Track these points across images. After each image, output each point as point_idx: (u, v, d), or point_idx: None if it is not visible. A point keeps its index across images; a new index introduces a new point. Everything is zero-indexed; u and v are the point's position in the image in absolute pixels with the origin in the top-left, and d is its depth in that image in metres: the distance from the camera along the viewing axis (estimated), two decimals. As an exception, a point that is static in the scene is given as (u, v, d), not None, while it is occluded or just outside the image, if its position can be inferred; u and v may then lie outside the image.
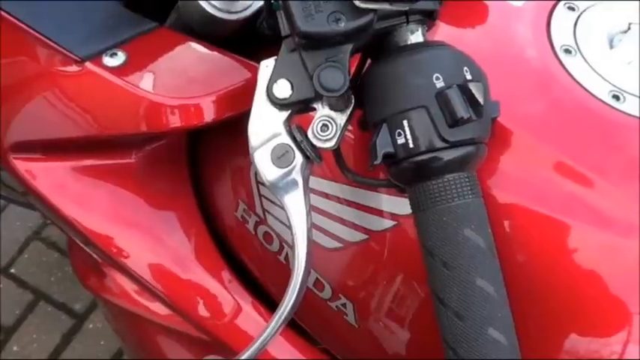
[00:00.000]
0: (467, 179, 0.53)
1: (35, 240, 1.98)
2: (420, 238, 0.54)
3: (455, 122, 0.52)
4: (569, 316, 0.58)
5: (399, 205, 0.62)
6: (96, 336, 1.85)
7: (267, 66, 0.56)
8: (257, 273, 0.80)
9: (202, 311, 0.81)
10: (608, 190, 0.57)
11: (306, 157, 0.56)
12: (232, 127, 0.67)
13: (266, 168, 0.56)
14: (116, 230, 0.79)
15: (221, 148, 0.79)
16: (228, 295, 0.80)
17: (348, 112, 0.56)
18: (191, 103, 0.67)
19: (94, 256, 0.87)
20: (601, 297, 0.57)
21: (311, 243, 0.56)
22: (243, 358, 0.59)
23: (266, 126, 0.56)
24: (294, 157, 0.56)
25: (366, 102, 0.56)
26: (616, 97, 0.61)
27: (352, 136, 0.64)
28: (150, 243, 0.82)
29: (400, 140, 0.53)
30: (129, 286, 0.88)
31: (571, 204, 0.57)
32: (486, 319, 0.52)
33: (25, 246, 1.97)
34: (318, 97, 0.55)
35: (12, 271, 1.93)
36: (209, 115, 0.68)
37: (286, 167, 0.56)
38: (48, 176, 0.78)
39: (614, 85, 0.62)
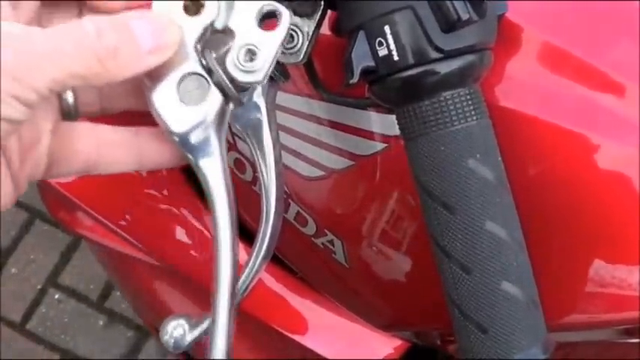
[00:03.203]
0: (468, 96, 0.43)
1: (25, 156, 1.90)
2: (413, 172, 0.44)
3: (450, 26, 0.41)
4: (594, 241, 0.50)
5: (390, 123, 0.52)
6: (95, 253, 1.79)
7: None
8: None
9: (173, 248, 0.73)
10: (636, 95, 0.47)
11: (270, 78, 0.44)
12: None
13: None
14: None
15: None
16: (206, 233, 0.72)
17: (317, 17, 0.45)
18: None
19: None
20: (629, 218, 0.48)
21: (281, 186, 0.46)
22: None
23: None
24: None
25: (338, 4, 0.44)
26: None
27: (328, 44, 0.52)
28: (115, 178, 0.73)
29: (382, 51, 0.42)
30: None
31: (595, 112, 0.48)
32: (499, 271, 0.43)
33: (16, 162, 1.89)
34: None
35: (3, 189, 1.86)
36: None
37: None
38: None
39: None
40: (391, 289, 0.61)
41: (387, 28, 0.42)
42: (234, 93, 0.41)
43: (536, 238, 0.48)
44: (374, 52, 0.42)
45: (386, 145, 0.53)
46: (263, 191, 0.46)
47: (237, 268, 0.44)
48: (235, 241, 0.44)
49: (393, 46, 0.42)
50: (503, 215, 0.43)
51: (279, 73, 0.45)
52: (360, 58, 0.43)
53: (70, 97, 0.42)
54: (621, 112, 0.47)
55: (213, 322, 0.44)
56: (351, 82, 0.43)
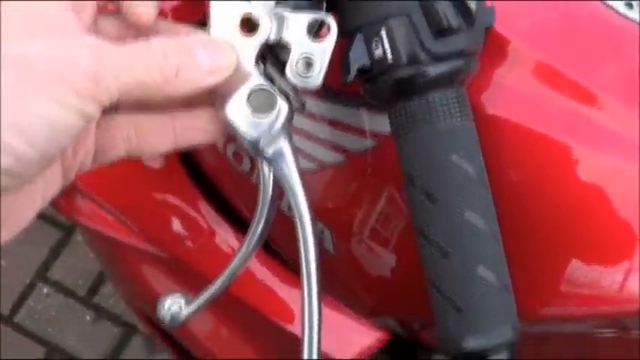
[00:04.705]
0: (455, 98, 0.47)
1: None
2: (401, 165, 0.48)
3: (441, 32, 0.45)
4: (570, 243, 0.53)
5: (381, 121, 0.55)
6: (84, 248, 1.81)
7: None
8: (230, 195, 0.74)
9: (174, 239, 0.76)
10: (615, 108, 0.51)
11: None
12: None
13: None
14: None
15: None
16: (202, 222, 0.75)
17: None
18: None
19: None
20: (604, 223, 0.52)
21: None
22: (211, 290, 0.54)
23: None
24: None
25: (339, 6, 0.48)
26: (629, 5, 0.53)
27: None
28: (112, 166, 0.77)
29: (377, 52, 0.46)
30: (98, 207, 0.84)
31: (573, 122, 0.51)
32: (475, 256, 0.47)
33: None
34: None
35: (-5, 184, 1.88)
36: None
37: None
38: None
39: None
40: (376, 278, 0.64)
41: (383, 32, 0.46)
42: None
43: (516, 236, 0.51)
44: (370, 53, 0.46)
45: (376, 142, 0.56)
46: (261, 182, 0.50)
47: (321, 257, 0.49)
48: (317, 235, 0.49)
49: (388, 48, 0.46)
50: (481, 207, 0.47)
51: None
52: (357, 58, 0.47)
53: None
54: (602, 124, 0.51)
55: (305, 321, 0.48)
56: (347, 79, 0.47)
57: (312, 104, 0.58)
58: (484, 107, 0.52)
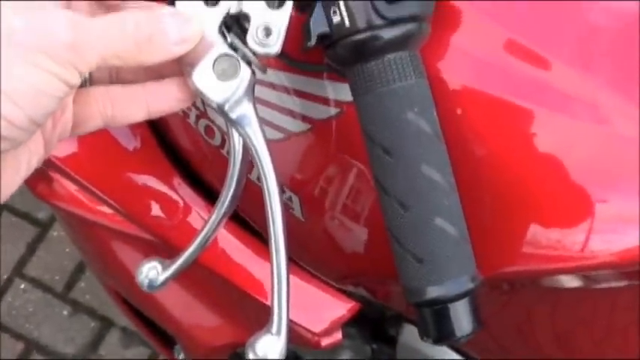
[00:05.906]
0: (409, 59, 0.50)
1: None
2: (361, 124, 0.51)
3: None
4: (529, 207, 0.55)
5: (343, 91, 0.58)
6: (61, 243, 1.83)
7: None
8: (203, 171, 0.77)
9: (151, 215, 0.78)
10: (565, 71, 0.53)
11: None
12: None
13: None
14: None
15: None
16: (177, 198, 0.78)
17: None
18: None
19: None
20: (561, 186, 0.54)
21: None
22: (185, 256, 0.57)
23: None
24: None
25: None
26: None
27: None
28: (91, 147, 0.79)
29: (335, 19, 0.49)
30: (76, 190, 0.86)
31: (526, 86, 0.54)
32: (432, 208, 0.50)
33: (-17, 156, 1.92)
34: None
35: (-29, 183, 1.89)
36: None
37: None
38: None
39: None
40: (344, 240, 0.67)
41: (340, 0, 0.49)
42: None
43: (472, 202, 0.53)
44: (329, 20, 0.49)
45: (339, 110, 0.59)
46: (230, 146, 0.53)
47: (287, 221, 0.52)
48: (281, 192, 0.51)
49: (345, 14, 0.49)
50: (437, 161, 0.50)
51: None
52: (317, 25, 0.50)
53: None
54: (555, 88, 0.53)
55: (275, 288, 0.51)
56: (308, 44, 0.50)
57: (278, 76, 0.61)
58: (438, 73, 0.55)
